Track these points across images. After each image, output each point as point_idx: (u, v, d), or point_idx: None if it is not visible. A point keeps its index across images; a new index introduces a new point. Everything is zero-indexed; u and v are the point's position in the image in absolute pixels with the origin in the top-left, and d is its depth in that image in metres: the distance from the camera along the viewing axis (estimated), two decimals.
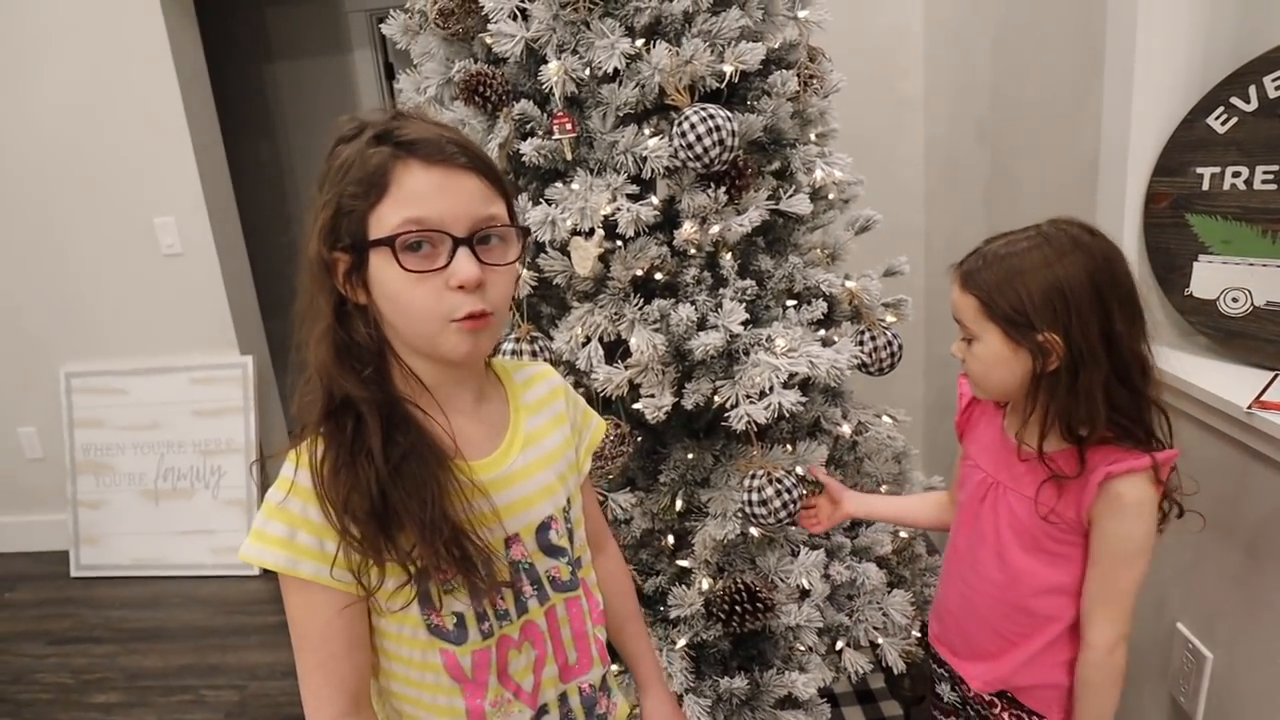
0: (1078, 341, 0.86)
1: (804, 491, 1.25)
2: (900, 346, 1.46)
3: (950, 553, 1.11)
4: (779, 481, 1.20)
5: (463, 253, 0.67)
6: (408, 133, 0.67)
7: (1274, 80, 1.13)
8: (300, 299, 0.71)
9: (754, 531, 1.30)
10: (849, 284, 1.41)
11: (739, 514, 1.26)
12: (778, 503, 1.20)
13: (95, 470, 2.83)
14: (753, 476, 1.23)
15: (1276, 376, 1.11)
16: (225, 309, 2.72)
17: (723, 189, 1.24)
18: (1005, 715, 1.06)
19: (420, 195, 0.66)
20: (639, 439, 1.38)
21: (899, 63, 2.25)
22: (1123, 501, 0.89)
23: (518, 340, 1.31)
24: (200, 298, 2.71)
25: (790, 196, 1.32)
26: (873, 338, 1.42)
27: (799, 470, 1.25)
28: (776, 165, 1.39)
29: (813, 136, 1.46)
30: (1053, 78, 1.61)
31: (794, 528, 1.39)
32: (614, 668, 0.88)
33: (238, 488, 2.73)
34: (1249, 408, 1.03)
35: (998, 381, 0.94)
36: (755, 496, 1.22)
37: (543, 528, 0.79)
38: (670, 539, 1.40)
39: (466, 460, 0.73)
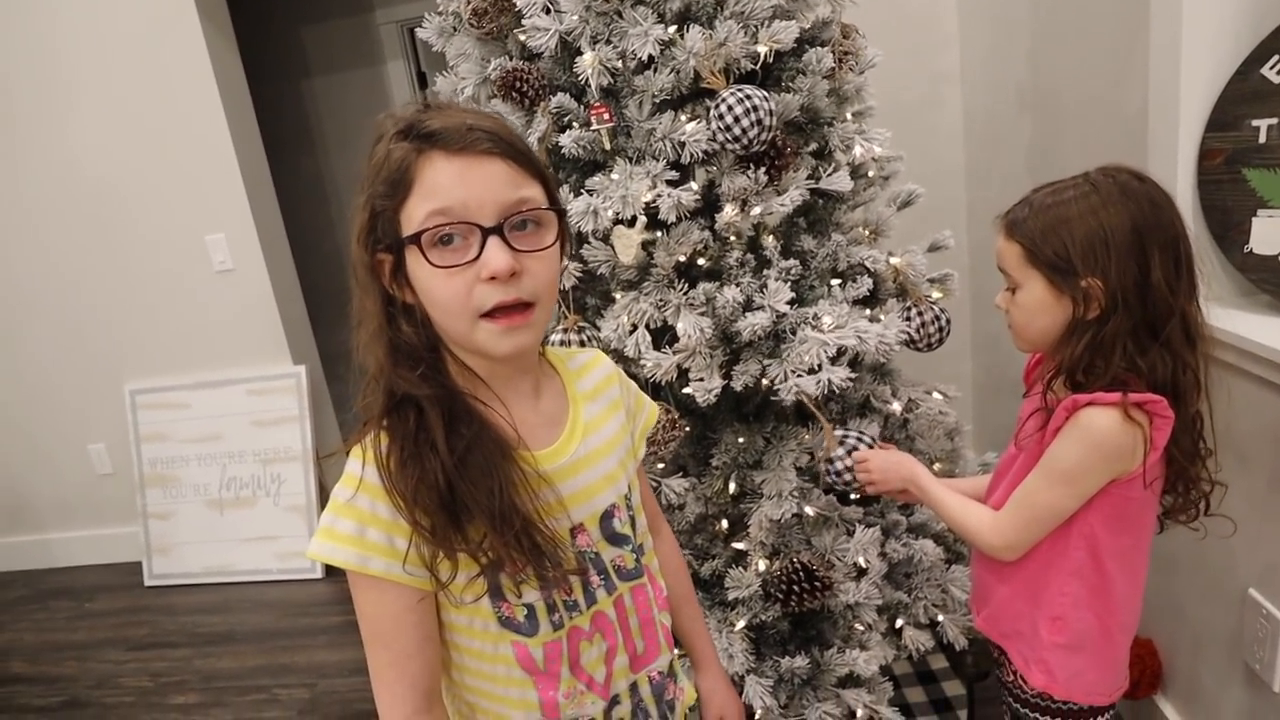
0: (1114, 287, 0.86)
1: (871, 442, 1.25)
2: (949, 321, 1.44)
3: None
4: (856, 443, 1.22)
5: (493, 242, 0.65)
6: (430, 124, 0.66)
7: None
8: (354, 301, 0.72)
9: (809, 511, 1.30)
10: (893, 260, 1.40)
11: (793, 493, 1.26)
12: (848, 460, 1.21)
13: (162, 483, 2.94)
14: (827, 452, 1.24)
15: None
16: (277, 321, 2.80)
17: (762, 170, 1.25)
18: (1014, 686, 1.06)
19: (443, 187, 0.65)
20: (688, 425, 1.39)
21: (935, 36, 2.22)
22: (1077, 422, 0.88)
23: (565, 331, 1.33)
24: (253, 311, 2.80)
25: (830, 175, 1.32)
26: (920, 313, 1.41)
27: (867, 439, 1.25)
28: (815, 145, 1.39)
29: (849, 114, 1.45)
30: (1094, 37, 1.57)
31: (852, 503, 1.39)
32: (675, 651, 0.89)
33: (297, 494, 2.82)
34: None
35: (1040, 330, 0.93)
36: (832, 466, 1.23)
37: (606, 516, 0.79)
38: (724, 523, 1.41)
39: (530, 450, 0.72)
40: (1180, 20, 1.22)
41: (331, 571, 2.74)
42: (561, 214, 0.71)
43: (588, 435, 0.79)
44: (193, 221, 2.74)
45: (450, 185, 0.64)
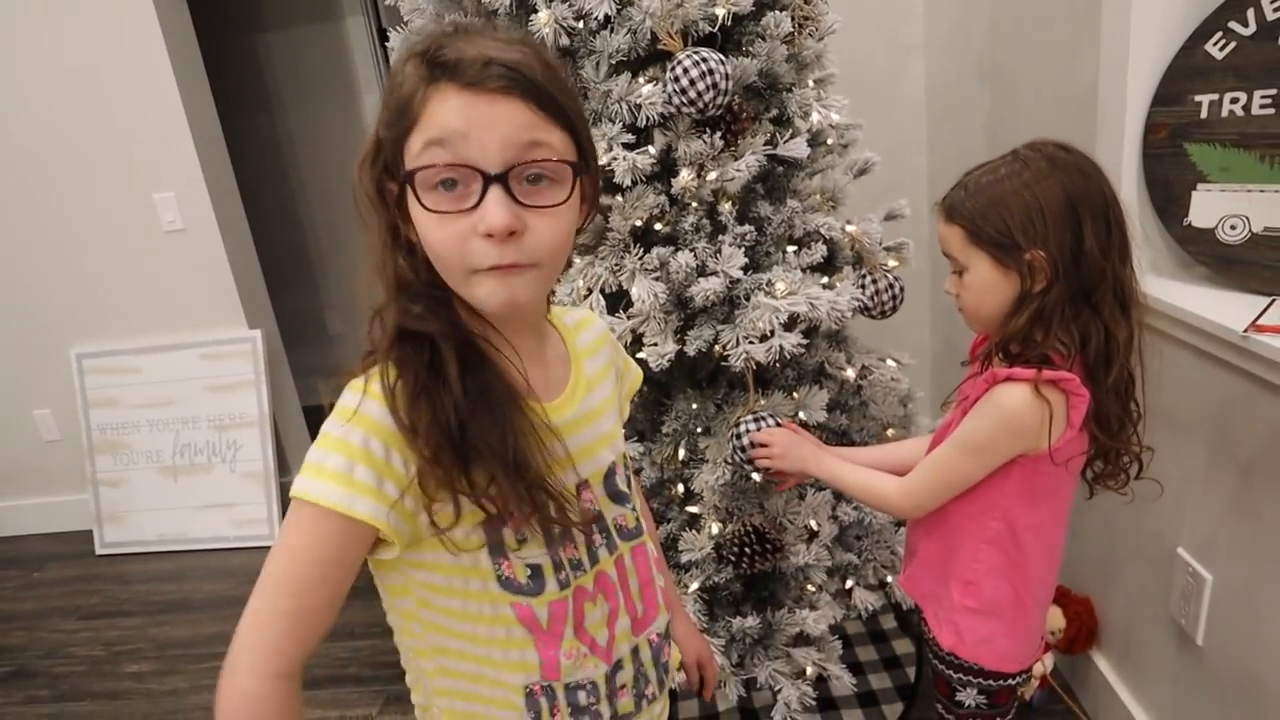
0: (1054, 256, 0.88)
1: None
2: (902, 289, 1.46)
3: None
4: (762, 421, 1.22)
5: (494, 193, 0.59)
6: (449, 51, 0.59)
7: (1272, 2, 1.11)
8: (369, 233, 0.66)
9: (755, 476, 1.32)
10: (849, 228, 1.42)
11: (727, 460, 1.28)
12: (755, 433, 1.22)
13: (112, 449, 2.88)
14: (736, 423, 1.25)
15: (1273, 301, 1.12)
16: (231, 284, 2.73)
17: (718, 135, 1.24)
18: (931, 642, 1.10)
19: (446, 123, 0.59)
20: (645, 390, 1.40)
21: (899, 6, 2.22)
22: (991, 397, 0.91)
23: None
24: (205, 273, 2.73)
25: (787, 141, 1.32)
26: (874, 281, 1.43)
27: (770, 418, 1.25)
28: (774, 111, 1.39)
29: (811, 81, 1.45)
30: (1050, 11, 1.59)
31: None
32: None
33: (254, 460, 2.78)
34: (1244, 332, 1.04)
35: (991, 309, 0.95)
36: (739, 441, 1.24)
37: (609, 474, 0.76)
38: (680, 487, 1.43)
39: (539, 402, 0.69)
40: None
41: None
42: (583, 169, 0.64)
43: (590, 391, 0.76)
44: (140, 180, 2.64)
45: (453, 122, 0.58)
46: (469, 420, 0.62)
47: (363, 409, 0.62)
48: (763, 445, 1.21)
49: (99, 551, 2.88)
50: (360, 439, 0.61)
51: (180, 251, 2.71)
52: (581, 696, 0.74)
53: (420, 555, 0.67)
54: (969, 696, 1.07)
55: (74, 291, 2.81)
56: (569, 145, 0.63)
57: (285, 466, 2.88)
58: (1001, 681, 1.06)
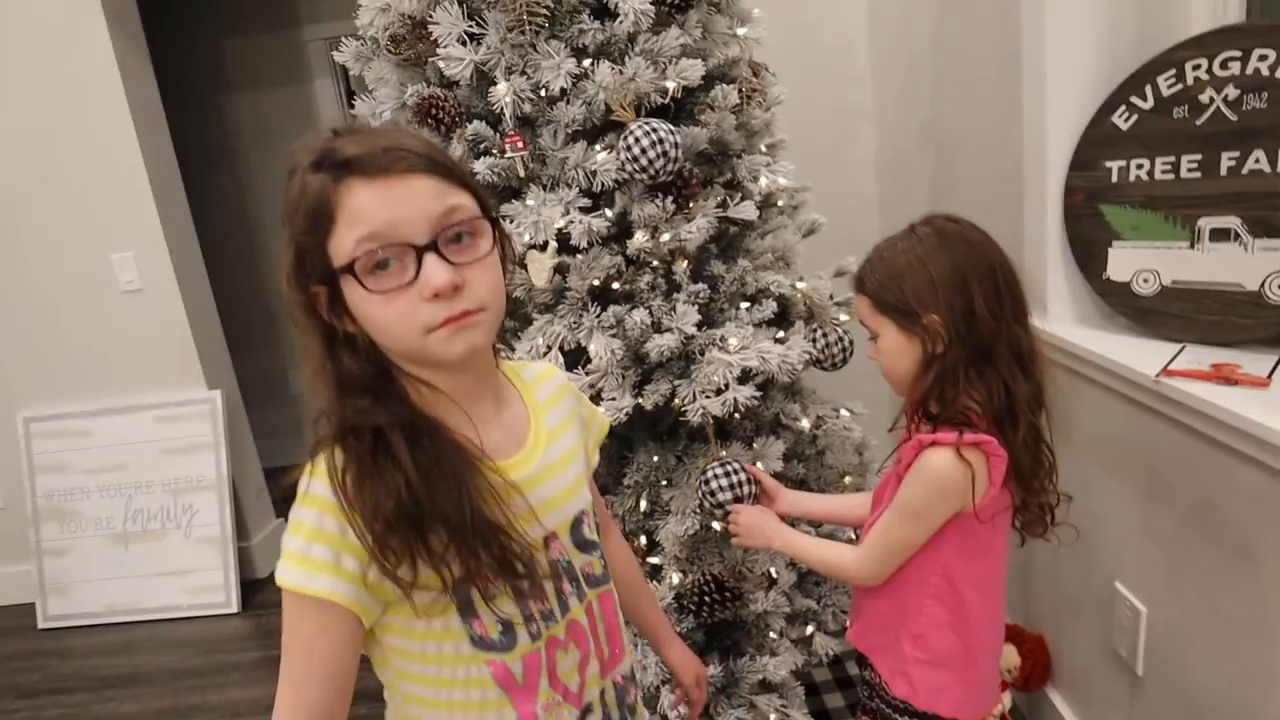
0: (949, 320, 0.95)
1: (755, 485, 1.29)
2: (851, 342, 1.53)
3: None
4: (733, 472, 1.27)
5: (429, 260, 0.63)
6: (344, 150, 0.64)
7: (1166, 80, 1.23)
8: (300, 343, 0.70)
9: (716, 526, 1.36)
10: (800, 285, 1.49)
11: (696, 509, 1.31)
12: (729, 494, 1.26)
13: (59, 517, 2.78)
14: (704, 470, 1.29)
15: (1183, 348, 1.21)
16: (190, 343, 2.70)
17: (669, 199, 1.31)
18: (879, 689, 1.12)
19: (368, 212, 0.63)
20: (608, 445, 1.43)
21: (848, 75, 2.34)
22: (920, 464, 0.96)
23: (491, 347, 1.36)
24: (163, 333, 2.70)
25: (738, 204, 1.40)
26: (824, 335, 1.49)
27: (735, 464, 1.29)
28: (727, 176, 1.47)
29: (762, 147, 1.55)
30: (980, 87, 1.72)
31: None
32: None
33: (211, 525, 2.71)
34: (1157, 376, 1.12)
35: (903, 371, 1.01)
36: (708, 487, 1.27)
37: (576, 523, 0.79)
38: (643, 539, 1.45)
39: (496, 461, 0.71)
40: (1044, 75, 1.36)
41: (248, 604, 2.65)
42: (495, 221, 0.70)
43: (551, 444, 0.79)
44: (97, 238, 2.62)
45: (375, 209, 0.63)
46: (422, 493, 0.65)
47: (311, 489, 0.66)
48: (734, 519, 1.24)
49: (41, 625, 2.75)
50: (313, 518, 0.65)
51: (137, 311, 2.68)
52: None
53: (393, 622, 0.69)
54: None
55: (23, 352, 2.75)
56: (474, 203, 0.69)
57: (244, 531, 2.81)
58: None
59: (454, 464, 0.67)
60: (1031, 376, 0.98)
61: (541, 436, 0.78)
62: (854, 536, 1.34)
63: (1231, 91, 1.16)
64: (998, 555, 1.05)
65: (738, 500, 1.27)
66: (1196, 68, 1.19)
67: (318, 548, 0.64)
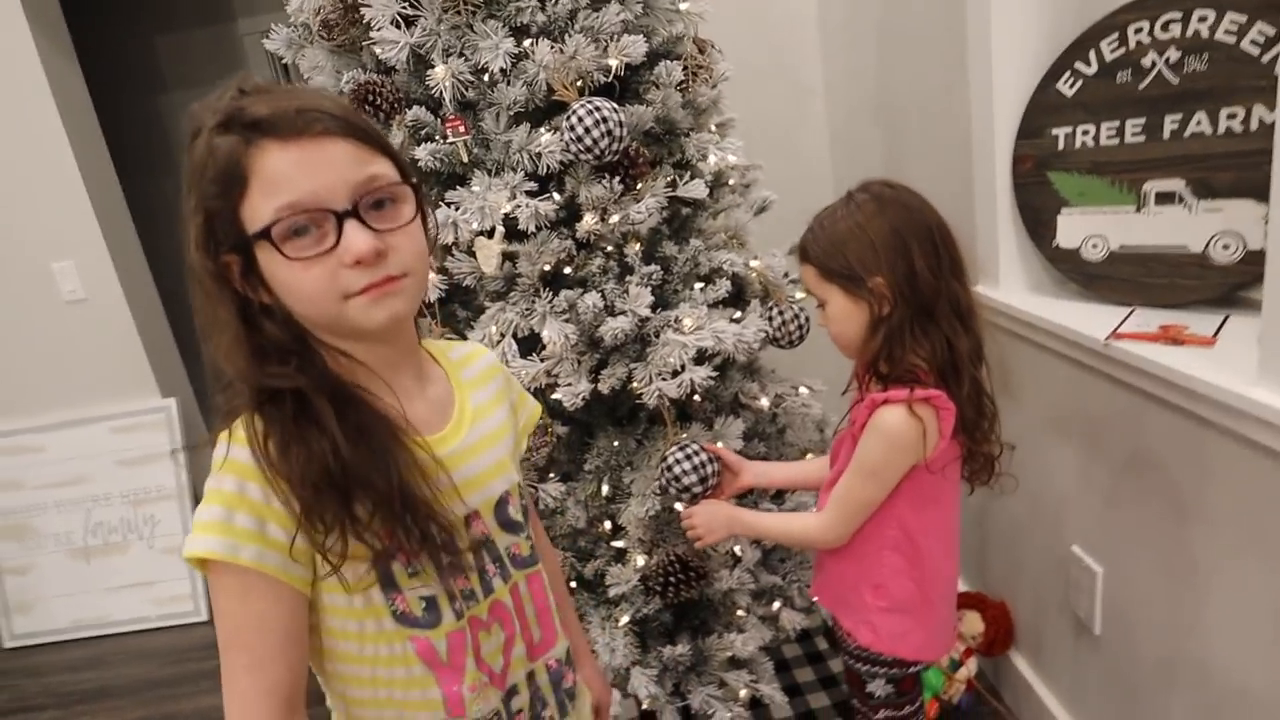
0: (892, 281, 0.98)
1: (717, 463, 1.29)
2: (807, 319, 1.52)
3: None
4: (695, 454, 1.26)
5: (350, 226, 0.61)
6: (255, 110, 0.61)
7: (1109, 44, 1.24)
8: (199, 313, 0.66)
9: (678, 506, 1.35)
10: (754, 264, 1.48)
11: (656, 490, 1.30)
12: (693, 475, 1.26)
13: (17, 535, 2.70)
14: (665, 455, 1.28)
15: (1132, 311, 1.22)
16: (140, 351, 2.64)
17: (617, 179, 1.29)
18: (842, 640, 1.17)
19: (285, 176, 0.60)
20: (565, 430, 1.42)
21: (797, 52, 2.33)
22: (874, 422, 0.99)
23: (413, 316, 1.33)
24: (111, 343, 2.63)
25: (688, 183, 1.38)
26: (780, 313, 1.49)
27: (695, 445, 1.29)
28: (676, 156, 1.45)
29: (711, 125, 1.53)
30: (927, 59, 1.72)
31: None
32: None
33: (174, 534, 2.65)
34: (1106, 340, 1.13)
35: (851, 335, 1.04)
36: (670, 472, 1.27)
37: (500, 503, 0.77)
38: (607, 524, 1.44)
39: (421, 436, 0.69)
40: (989, 43, 1.35)
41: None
42: (416, 186, 0.68)
43: (476, 422, 0.77)
44: (35, 249, 2.54)
45: (292, 174, 0.60)
46: (349, 459, 0.62)
47: (231, 455, 0.63)
48: (688, 520, 1.25)
49: (6, 644, 2.69)
50: (234, 484, 0.62)
51: (83, 321, 2.61)
52: None
53: (318, 598, 0.67)
54: (879, 687, 1.16)
55: None
56: (393, 168, 0.66)
57: None
58: (907, 669, 1.14)
59: (380, 433, 0.65)
60: (971, 331, 1.02)
61: (466, 414, 0.77)
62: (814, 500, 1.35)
63: (1173, 54, 1.16)
64: (949, 504, 1.09)
65: (702, 481, 1.27)
66: (1138, 31, 1.19)
67: (241, 515, 0.61)
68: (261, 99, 0.62)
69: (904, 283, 0.98)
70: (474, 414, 0.78)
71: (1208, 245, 1.15)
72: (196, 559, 0.62)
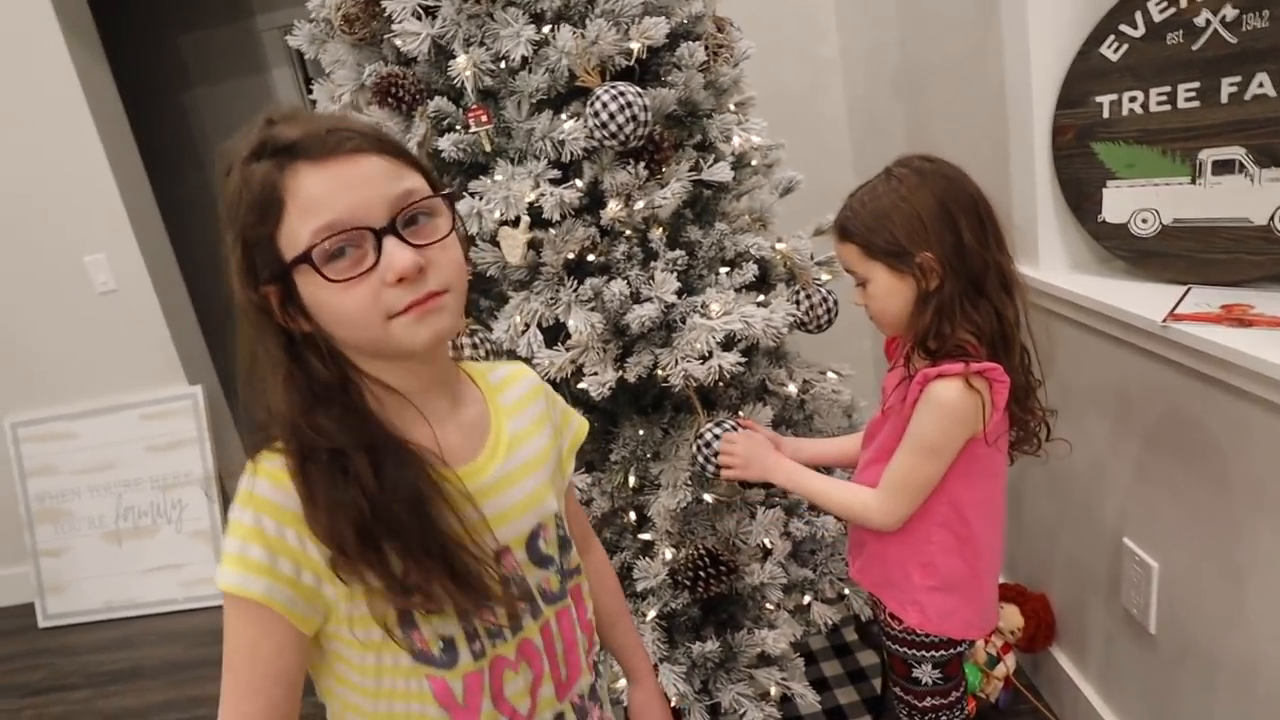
0: (940, 255, 0.96)
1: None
2: (836, 302, 1.48)
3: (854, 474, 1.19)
4: (729, 429, 1.23)
5: (390, 243, 0.60)
6: (285, 135, 0.61)
7: (1158, 4, 1.16)
8: (243, 350, 0.65)
9: (708, 498, 1.32)
10: (780, 246, 1.43)
11: (692, 467, 1.26)
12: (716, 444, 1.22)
13: (53, 518, 2.77)
14: (701, 431, 1.25)
15: (1188, 290, 1.16)
16: (168, 341, 2.68)
17: (642, 164, 1.25)
18: (886, 626, 1.15)
19: (320, 197, 0.59)
20: (592, 420, 1.39)
21: (815, 26, 2.27)
22: (929, 398, 0.97)
23: (457, 334, 1.31)
24: (141, 332, 2.66)
25: (711, 166, 1.33)
26: (808, 296, 1.44)
27: (730, 423, 1.26)
28: (698, 138, 1.41)
29: (731, 105, 1.48)
30: (953, 25, 1.65)
31: (751, 489, 1.41)
32: (595, 675, 0.85)
33: (201, 519, 2.70)
34: (1164, 321, 1.07)
35: (896, 312, 1.02)
36: (710, 449, 1.23)
37: (532, 537, 0.74)
38: (632, 515, 1.41)
39: (451, 468, 0.67)
40: (1025, 6, 1.28)
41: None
42: (450, 199, 0.67)
43: (512, 451, 0.74)
44: (69, 243, 2.59)
45: (328, 194, 0.59)
46: (382, 512, 0.62)
47: (255, 490, 0.62)
48: (729, 446, 1.22)
49: (42, 624, 2.76)
50: (252, 519, 0.62)
51: (115, 312, 2.65)
52: None
53: (336, 630, 0.65)
54: (925, 673, 1.14)
55: (5, 359, 2.73)
56: (425, 183, 0.65)
57: None
58: (952, 650, 1.13)
59: (414, 482, 0.64)
60: (1015, 301, 1.00)
61: (502, 442, 0.74)
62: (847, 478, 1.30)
63: (1229, 11, 1.08)
64: (998, 477, 1.08)
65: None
66: None
67: (254, 549, 0.61)
68: (291, 124, 0.62)
69: (953, 255, 0.96)
70: (510, 443, 0.75)
71: (1273, 217, 1.08)
72: (220, 588, 0.63)
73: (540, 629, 0.74)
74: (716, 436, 1.23)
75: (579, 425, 0.89)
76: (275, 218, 0.60)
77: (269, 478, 0.62)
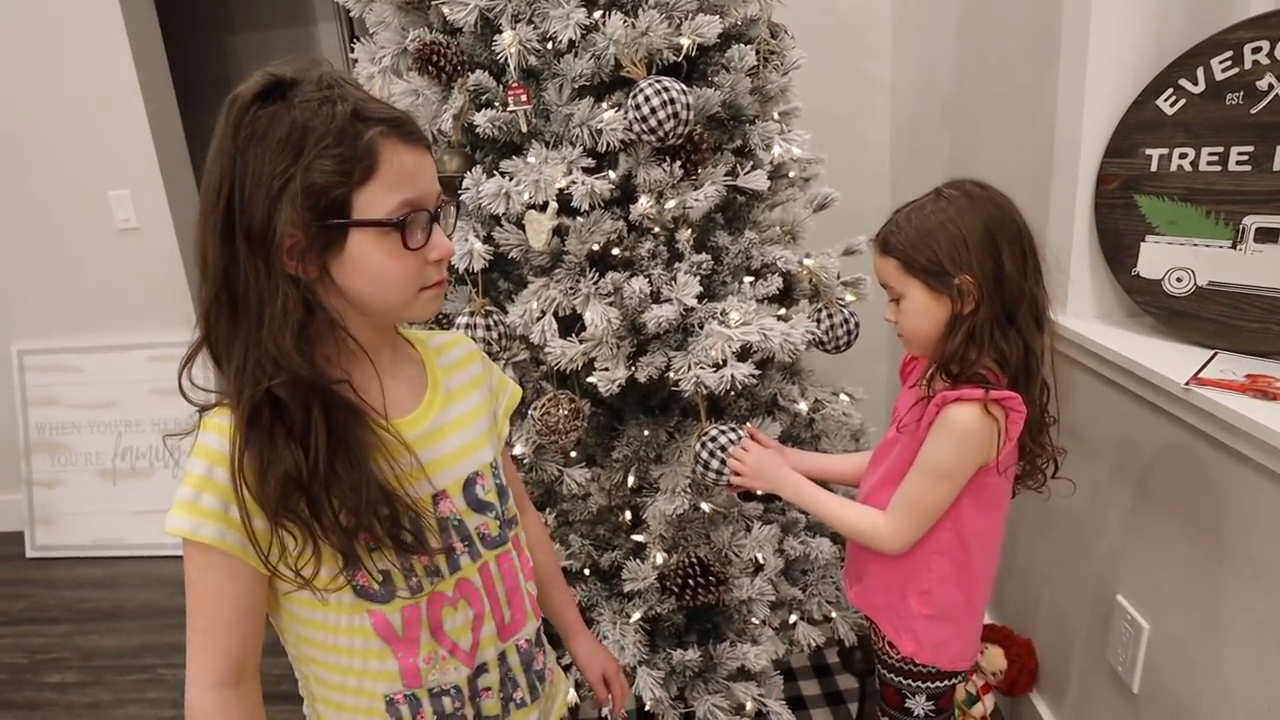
0: (980, 279, 0.96)
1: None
2: (857, 324, 1.46)
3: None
4: (733, 431, 1.22)
5: (437, 228, 0.71)
6: (377, 109, 0.68)
7: (1221, 62, 1.14)
8: (214, 281, 0.66)
9: (705, 507, 1.31)
10: (807, 261, 1.42)
11: (697, 466, 1.24)
12: (732, 449, 1.21)
13: (50, 450, 2.77)
14: (707, 430, 1.24)
15: (1214, 355, 1.14)
16: (184, 285, 2.66)
17: (678, 163, 1.24)
18: (882, 653, 1.15)
19: (411, 175, 0.68)
20: (597, 415, 1.38)
21: (868, 43, 2.24)
22: (945, 421, 0.97)
23: (472, 314, 1.30)
24: (157, 273, 2.66)
25: (748, 173, 1.32)
26: (829, 315, 1.43)
27: (738, 430, 1.24)
28: (738, 143, 1.39)
29: (775, 114, 1.46)
30: (1011, 61, 1.62)
31: (750, 501, 1.40)
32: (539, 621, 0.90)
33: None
34: (1186, 384, 1.05)
35: (927, 332, 1.01)
36: (716, 442, 1.22)
37: (469, 483, 0.80)
38: (627, 514, 1.40)
39: (389, 418, 0.73)
40: (1086, 51, 1.26)
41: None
42: (458, 205, 0.81)
43: (448, 404, 0.81)
44: (94, 176, 2.58)
45: (416, 174, 0.69)
46: (323, 466, 0.66)
47: (203, 441, 0.69)
48: (741, 455, 1.21)
49: (29, 554, 2.77)
50: (204, 469, 0.68)
51: (133, 250, 2.64)
52: (447, 703, 0.78)
53: (285, 570, 0.70)
54: (918, 704, 1.13)
55: (19, 286, 2.73)
56: None
57: None
58: (947, 682, 1.13)
59: (356, 435, 0.69)
60: (1044, 336, 1.01)
61: (438, 395, 0.81)
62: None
63: None
64: (1004, 508, 1.07)
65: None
66: (1256, 50, 1.10)
67: (206, 496, 0.67)
68: (372, 100, 0.69)
69: (992, 282, 0.96)
70: (446, 397, 0.81)
71: None
72: (170, 532, 0.68)
73: (479, 569, 0.80)
74: (732, 441, 1.22)
75: (514, 391, 0.96)
76: (362, 178, 0.66)
77: (218, 430, 0.68)
